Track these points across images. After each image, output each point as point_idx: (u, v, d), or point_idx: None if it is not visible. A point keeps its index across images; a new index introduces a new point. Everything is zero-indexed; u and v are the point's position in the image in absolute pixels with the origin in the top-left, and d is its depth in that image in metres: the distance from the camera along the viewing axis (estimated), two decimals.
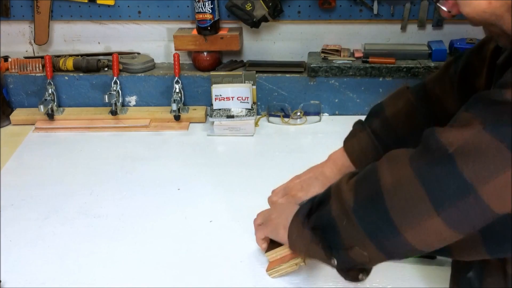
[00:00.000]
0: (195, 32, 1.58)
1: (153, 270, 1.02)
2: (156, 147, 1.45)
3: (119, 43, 1.68)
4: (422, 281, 0.97)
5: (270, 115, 1.57)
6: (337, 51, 1.57)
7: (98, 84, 1.60)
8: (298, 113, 1.56)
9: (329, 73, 1.54)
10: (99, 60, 1.61)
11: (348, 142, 1.05)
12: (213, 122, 1.50)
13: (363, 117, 1.06)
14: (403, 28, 1.59)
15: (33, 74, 1.61)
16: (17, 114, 1.61)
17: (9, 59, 1.63)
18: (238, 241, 1.07)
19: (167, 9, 1.61)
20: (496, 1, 0.67)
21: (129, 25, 1.66)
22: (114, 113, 1.53)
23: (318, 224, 0.83)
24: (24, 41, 1.70)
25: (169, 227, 1.13)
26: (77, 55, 1.63)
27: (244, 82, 1.54)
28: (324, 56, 1.56)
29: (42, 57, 1.60)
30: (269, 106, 1.57)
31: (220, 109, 1.52)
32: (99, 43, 1.69)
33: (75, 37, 1.68)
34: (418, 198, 0.68)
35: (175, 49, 1.60)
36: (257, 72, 1.56)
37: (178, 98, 1.53)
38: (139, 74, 1.60)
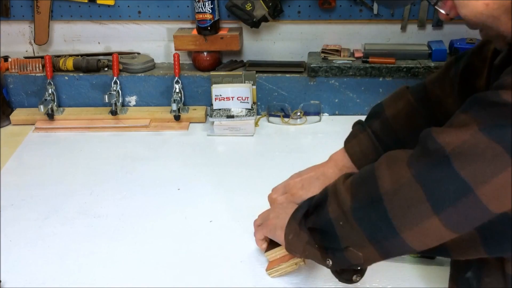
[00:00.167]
0: (195, 32, 1.58)
1: (153, 270, 1.02)
2: (156, 147, 1.45)
3: (119, 43, 1.68)
4: (422, 281, 0.97)
5: (270, 115, 1.57)
6: (337, 51, 1.57)
7: (98, 84, 1.60)
8: (298, 113, 1.56)
9: (329, 73, 1.53)
10: (99, 60, 1.61)
11: (349, 143, 1.04)
12: (213, 122, 1.50)
13: (363, 117, 1.06)
14: (403, 28, 1.59)
15: (33, 74, 1.61)
16: (17, 114, 1.61)
17: (9, 59, 1.63)
18: (238, 241, 1.08)
19: (167, 9, 1.61)
20: (493, 2, 0.67)
21: (129, 25, 1.66)
22: (114, 113, 1.53)
23: (315, 225, 0.83)
24: (24, 41, 1.70)
25: (169, 227, 1.13)
26: (77, 55, 1.63)
27: (244, 82, 1.54)
28: (324, 56, 1.56)
29: (42, 57, 1.60)
30: (269, 106, 1.57)
31: (220, 109, 1.52)
32: (99, 43, 1.69)
33: (75, 37, 1.68)
34: (417, 199, 0.69)
35: (175, 49, 1.60)
36: (257, 72, 1.56)
37: (178, 98, 1.53)
38: (139, 74, 1.60)
